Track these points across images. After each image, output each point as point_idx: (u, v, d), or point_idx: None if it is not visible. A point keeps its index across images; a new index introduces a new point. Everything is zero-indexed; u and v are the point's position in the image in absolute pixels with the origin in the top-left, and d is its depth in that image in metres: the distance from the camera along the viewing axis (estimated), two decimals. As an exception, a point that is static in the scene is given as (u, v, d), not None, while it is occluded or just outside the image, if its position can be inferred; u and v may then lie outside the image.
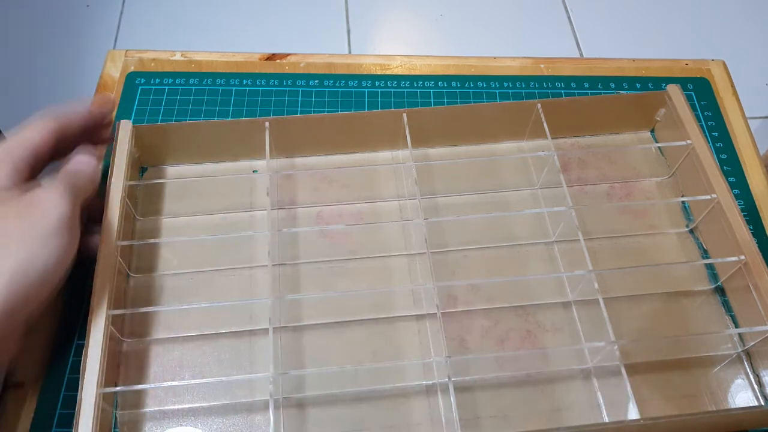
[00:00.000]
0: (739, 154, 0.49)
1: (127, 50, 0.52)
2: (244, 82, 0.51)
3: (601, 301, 0.38)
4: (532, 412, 0.38)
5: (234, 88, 0.51)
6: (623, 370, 0.36)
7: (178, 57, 0.52)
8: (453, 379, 0.36)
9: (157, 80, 0.51)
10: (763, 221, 0.46)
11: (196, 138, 0.45)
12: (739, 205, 0.45)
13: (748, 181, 0.48)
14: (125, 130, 0.43)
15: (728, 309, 0.42)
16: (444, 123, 0.46)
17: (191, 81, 0.51)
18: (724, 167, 0.49)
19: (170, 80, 0.51)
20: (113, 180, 0.41)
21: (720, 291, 0.43)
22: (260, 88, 0.51)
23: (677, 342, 0.41)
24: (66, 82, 1.21)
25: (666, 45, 1.33)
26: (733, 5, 1.41)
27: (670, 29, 1.36)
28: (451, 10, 1.37)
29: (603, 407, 0.38)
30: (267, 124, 0.44)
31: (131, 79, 0.51)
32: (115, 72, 0.51)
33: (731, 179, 0.48)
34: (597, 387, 0.39)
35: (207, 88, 0.51)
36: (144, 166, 0.46)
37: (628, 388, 0.36)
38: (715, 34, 1.36)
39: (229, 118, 0.49)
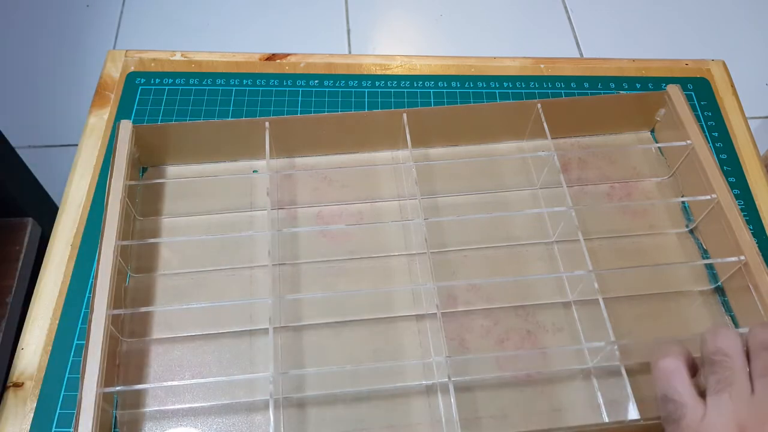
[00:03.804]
0: (739, 154, 0.49)
1: (127, 50, 0.52)
2: (244, 82, 0.51)
3: (601, 301, 0.38)
4: (532, 412, 0.38)
5: (234, 88, 0.51)
6: (623, 370, 0.36)
7: (178, 57, 0.52)
8: (453, 379, 0.36)
9: (157, 80, 0.51)
10: (763, 221, 0.46)
11: (196, 138, 0.45)
12: (739, 205, 0.45)
13: (748, 181, 0.48)
14: (125, 130, 0.42)
15: (728, 309, 0.42)
16: (444, 123, 0.46)
17: (191, 81, 0.51)
18: (724, 167, 0.49)
19: (170, 80, 0.51)
20: (113, 180, 0.41)
21: (720, 291, 0.43)
22: (260, 88, 0.51)
23: (677, 342, 0.41)
24: (66, 82, 1.21)
25: (666, 45, 1.33)
26: (733, 5, 1.41)
27: (670, 29, 1.36)
28: (451, 10, 1.37)
29: (603, 407, 0.38)
30: (267, 124, 0.44)
31: (131, 79, 0.51)
32: (115, 72, 0.51)
33: (731, 179, 0.48)
34: (597, 387, 0.39)
35: (207, 88, 0.51)
36: (144, 166, 0.46)
37: (628, 388, 0.36)
38: (715, 34, 1.36)
39: (229, 118, 0.49)
